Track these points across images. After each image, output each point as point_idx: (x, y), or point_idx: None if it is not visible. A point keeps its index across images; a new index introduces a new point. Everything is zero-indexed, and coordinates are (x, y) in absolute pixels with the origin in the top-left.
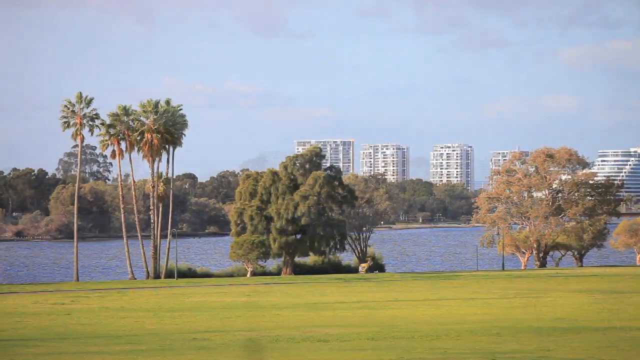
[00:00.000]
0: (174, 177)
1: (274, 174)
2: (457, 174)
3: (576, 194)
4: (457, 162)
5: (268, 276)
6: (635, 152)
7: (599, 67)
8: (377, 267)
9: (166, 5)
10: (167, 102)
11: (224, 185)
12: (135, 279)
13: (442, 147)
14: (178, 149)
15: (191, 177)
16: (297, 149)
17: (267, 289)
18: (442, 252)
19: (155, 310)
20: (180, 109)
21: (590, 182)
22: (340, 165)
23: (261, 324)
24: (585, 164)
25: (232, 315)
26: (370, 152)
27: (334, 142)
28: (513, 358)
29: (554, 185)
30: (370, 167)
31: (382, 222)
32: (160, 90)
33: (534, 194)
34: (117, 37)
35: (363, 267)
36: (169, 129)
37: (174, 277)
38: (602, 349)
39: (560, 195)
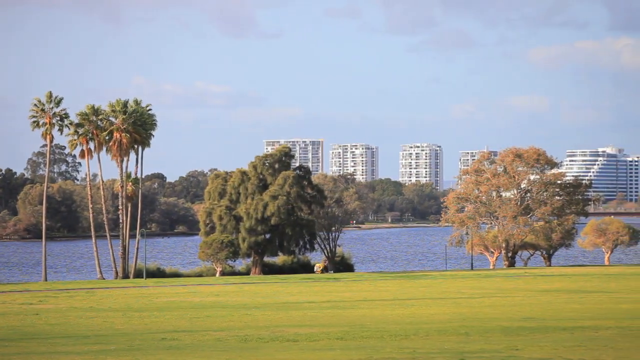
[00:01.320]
0: (143, 177)
1: (243, 173)
2: (426, 174)
3: (545, 193)
4: (426, 162)
5: (237, 276)
6: (603, 152)
7: (567, 68)
8: (346, 266)
9: (135, 4)
10: (136, 102)
11: (193, 185)
12: (104, 278)
13: (411, 147)
14: (147, 149)
15: (160, 177)
16: (266, 148)
17: (236, 289)
18: (411, 252)
19: (124, 310)
20: (150, 109)
21: (559, 182)
22: (310, 165)
23: (230, 324)
24: (553, 164)
25: (201, 315)
26: (339, 152)
27: (303, 141)
28: (481, 357)
29: (523, 185)
30: (340, 166)
31: (354, 222)
32: (129, 90)
33: (503, 194)
34: (85, 37)
35: (318, 267)
36: (137, 128)
37: (142, 277)
38: (570, 348)
39: (528, 195)
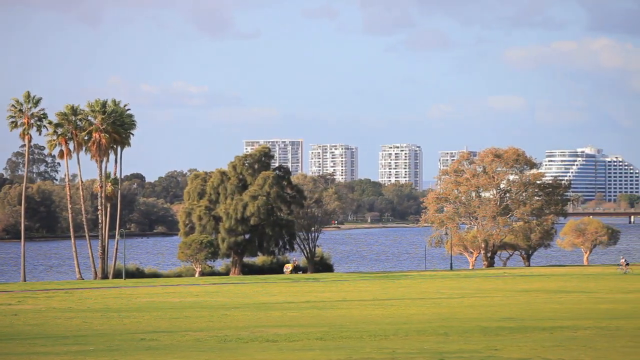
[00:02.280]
0: (122, 177)
1: (223, 174)
2: (405, 174)
3: (524, 194)
4: (405, 162)
5: (216, 276)
6: (582, 152)
7: (545, 68)
8: (325, 267)
9: (112, 4)
10: (115, 102)
11: (172, 186)
12: (83, 279)
13: (390, 147)
14: (126, 149)
15: (139, 177)
16: (246, 149)
17: (216, 289)
18: (391, 252)
19: (103, 311)
20: (128, 109)
21: (538, 182)
22: (289, 165)
23: (209, 324)
24: (532, 164)
25: (181, 315)
26: (319, 152)
27: (283, 142)
28: (461, 357)
29: (502, 186)
30: (319, 167)
31: (336, 222)
32: (107, 90)
33: (482, 194)
34: (62, 37)
35: (288, 267)
36: (116, 128)
37: (122, 277)
38: (549, 348)
39: (508, 195)
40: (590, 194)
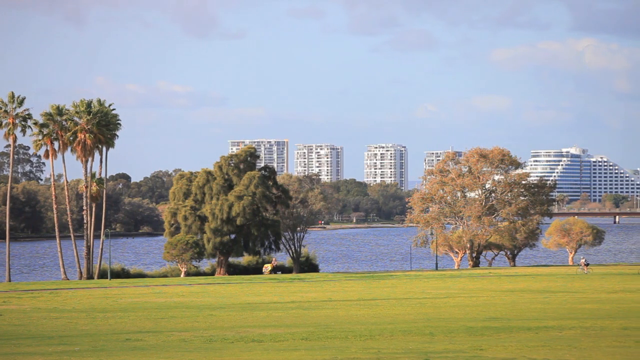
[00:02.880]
0: (107, 177)
1: (208, 173)
2: (390, 174)
3: (509, 194)
4: (390, 162)
5: (202, 276)
6: (567, 152)
7: (529, 68)
8: (311, 267)
9: (97, 4)
10: (100, 102)
11: (158, 186)
12: (68, 279)
13: (375, 147)
14: (111, 149)
15: (125, 177)
16: (231, 149)
17: (201, 290)
18: (376, 252)
19: (88, 311)
20: (113, 109)
21: (523, 182)
22: (275, 165)
23: (195, 325)
24: (518, 164)
25: (166, 315)
26: (304, 152)
27: (268, 142)
28: (446, 357)
29: (487, 186)
30: (305, 167)
31: (323, 222)
32: (92, 90)
33: (468, 194)
34: (47, 37)
35: (267, 267)
36: (101, 129)
37: (107, 278)
38: (534, 348)
39: (493, 195)
40: (575, 194)
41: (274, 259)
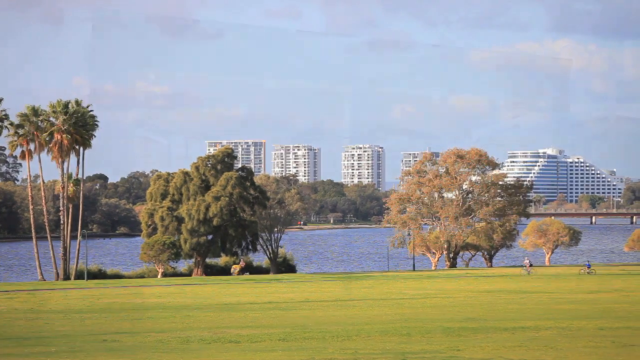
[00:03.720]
0: (84, 178)
1: (185, 174)
2: (368, 175)
3: (486, 194)
4: (368, 163)
5: (179, 277)
6: (544, 153)
7: (507, 69)
8: (288, 267)
9: (75, 4)
10: (77, 103)
11: (135, 186)
12: (45, 280)
13: (353, 148)
14: (88, 149)
15: (102, 177)
16: (209, 149)
17: (178, 290)
18: (354, 253)
19: (65, 312)
20: (91, 110)
21: (500, 183)
22: (252, 166)
23: (172, 325)
24: (495, 165)
25: (143, 316)
26: (281, 153)
27: (245, 142)
28: (423, 358)
29: (464, 186)
30: (282, 167)
31: (302, 222)
32: (70, 91)
33: (445, 195)
34: (23, 37)
35: (235, 268)
36: (78, 129)
37: (84, 279)
38: (511, 348)
39: (470, 196)
40: (552, 195)
41: (242, 259)
